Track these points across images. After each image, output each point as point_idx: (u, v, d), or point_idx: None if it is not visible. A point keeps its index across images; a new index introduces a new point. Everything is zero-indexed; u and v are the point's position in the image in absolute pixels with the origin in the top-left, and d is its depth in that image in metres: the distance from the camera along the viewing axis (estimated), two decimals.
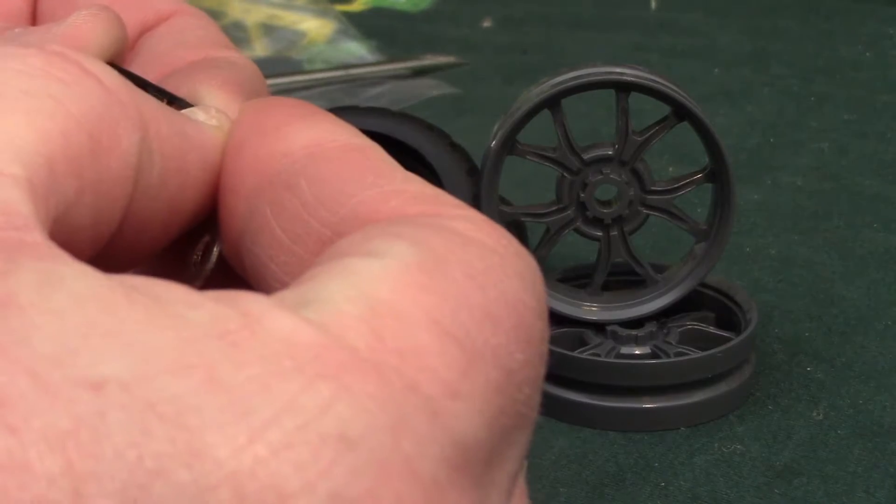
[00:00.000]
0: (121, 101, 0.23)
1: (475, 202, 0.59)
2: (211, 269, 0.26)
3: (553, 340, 0.57)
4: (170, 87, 0.28)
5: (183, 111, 0.26)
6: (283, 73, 0.97)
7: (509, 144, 0.58)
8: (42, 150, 0.21)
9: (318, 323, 0.19)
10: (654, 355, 0.57)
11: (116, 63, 0.28)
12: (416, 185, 0.23)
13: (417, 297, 0.20)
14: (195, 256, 0.27)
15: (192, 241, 0.27)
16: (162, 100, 0.29)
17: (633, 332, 0.58)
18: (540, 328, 0.21)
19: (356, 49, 1.03)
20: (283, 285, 0.23)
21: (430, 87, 0.95)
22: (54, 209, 0.21)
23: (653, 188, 0.58)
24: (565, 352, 0.56)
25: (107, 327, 0.18)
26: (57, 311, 0.17)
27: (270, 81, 0.94)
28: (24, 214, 0.19)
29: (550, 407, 0.56)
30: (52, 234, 0.20)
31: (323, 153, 0.24)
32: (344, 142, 0.24)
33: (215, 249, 0.26)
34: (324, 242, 0.23)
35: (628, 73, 0.56)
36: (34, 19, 0.33)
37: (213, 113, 0.26)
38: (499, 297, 0.21)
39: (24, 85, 0.21)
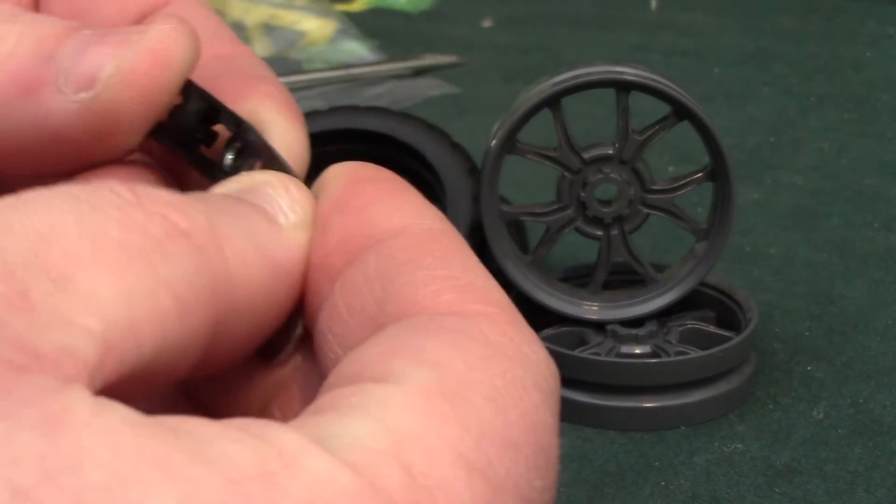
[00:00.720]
0: (210, 262, 0.22)
1: (475, 202, 0.59)
2: (295, 345, 0.26)
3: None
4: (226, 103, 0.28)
5: (262, 192, 0.25)
6: (283, 73, 0.97)
7: (509, 144, 0.58)
8: (124, 309, 0.21)
9: (351, 463, 0.19)
10: (654, 354, 0.57)
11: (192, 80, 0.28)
12: (469, 275, 0.23)
13: (441, 428, 0.20)
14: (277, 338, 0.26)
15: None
16: (231, 125, 0.28)
17: (634, 332, 0.58)
18: (555, 448, 0.22)
19: (356, 49, 1.03)
20: (336, 356, 0.23)
21: (430, 87, 0.95)
22: (129, 367, 0.21)
23: (653, 187, 0.58)
24: (565, 351, 0.56)
25: (157, 458, 0.18)
26: (110, 433, 0.18)
27: None
28: (85, 363, 0.19)
29: None
30: (123, 381, 0.20)
31: (402, 233, 0.24)
32: (428, 226, 0.24)
33: (298, 329, 0.26)
34: (372, 317, 0.23)
35: (628, 72, 0.56)
36: (37, 8, 0.32)
37: (295, 196, 0.26)
38: (519, 420, 0.21)
39: (122, 237, 0.21)
